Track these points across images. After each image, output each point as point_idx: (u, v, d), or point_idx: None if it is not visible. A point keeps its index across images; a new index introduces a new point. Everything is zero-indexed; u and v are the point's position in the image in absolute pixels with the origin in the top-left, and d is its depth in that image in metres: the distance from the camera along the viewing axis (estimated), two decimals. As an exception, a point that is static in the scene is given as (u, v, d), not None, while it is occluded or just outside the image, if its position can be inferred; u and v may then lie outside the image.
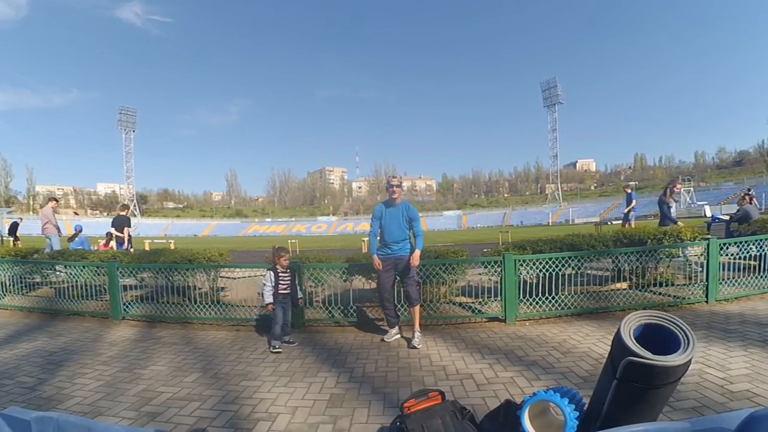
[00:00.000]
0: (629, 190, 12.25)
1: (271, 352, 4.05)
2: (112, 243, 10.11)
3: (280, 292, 4.30)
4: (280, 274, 4.34)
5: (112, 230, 9.66)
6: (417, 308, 4.29)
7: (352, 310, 5.06)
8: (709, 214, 15.07)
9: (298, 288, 4.57)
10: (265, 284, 4.31)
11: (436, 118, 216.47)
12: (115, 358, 3.96)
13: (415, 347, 4.03)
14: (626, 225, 11.65)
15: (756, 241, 5.59)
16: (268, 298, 4.24)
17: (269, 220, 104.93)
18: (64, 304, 5.96)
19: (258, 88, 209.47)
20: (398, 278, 4.39)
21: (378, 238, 4.40)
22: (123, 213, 9.98)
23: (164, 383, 3.29)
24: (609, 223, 34.25)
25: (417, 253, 4.17)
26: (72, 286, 5.98)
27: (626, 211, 12.10)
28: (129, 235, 9.69)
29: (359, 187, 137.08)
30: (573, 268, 5.05)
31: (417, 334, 4.20)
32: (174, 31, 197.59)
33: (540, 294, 4.97)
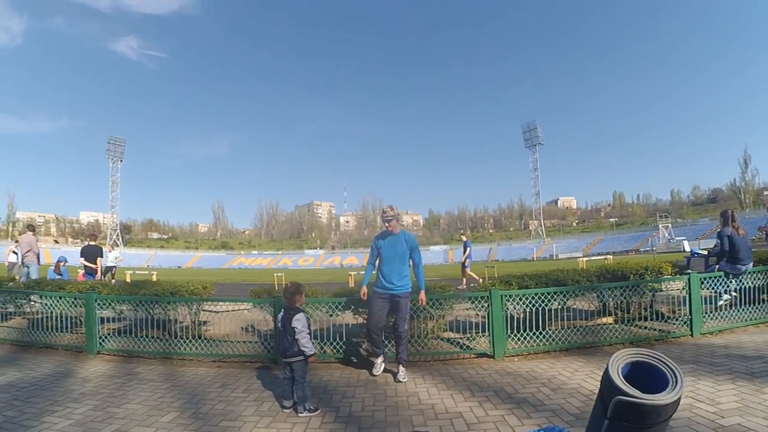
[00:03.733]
0: (465, 239, 12.33)
1: (303, 415, 3.24)
2: (80, 272, 9.84)
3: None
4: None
5: (82, 260, 9.44)
6: (404, 345, 4.19)
7: (337, 346, 4.94)
8: (688, 248, 15.44)
9: None
10: (301, 331, 3.38)
11: (422, 156, 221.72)
12: (87, 395, 3.75)
13: (400, 381, 3.97)
14: (466, 272, 11.70)
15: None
16: (312, 349, 3.43)
17: (255, 252, 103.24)
18: (37, 336, 5.68)
19: (247, 122, 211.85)
20: (390, 313, 4.25)
21: (375, 270, 4.33)
22: (93, 242, 9.78)
23: (139, 423, 3.12)
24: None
25: (422, 294, 4.25)
26: (47, 317, 5.72)
27: (463, 259, 12.00)
28: (112, 266, 9.48)
29: (347, 222, 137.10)
30: (559, 303, 5.08)
31: (401, 368, 4.12)
32: (168, 66, 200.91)
33: (527, 329, 4.95)
